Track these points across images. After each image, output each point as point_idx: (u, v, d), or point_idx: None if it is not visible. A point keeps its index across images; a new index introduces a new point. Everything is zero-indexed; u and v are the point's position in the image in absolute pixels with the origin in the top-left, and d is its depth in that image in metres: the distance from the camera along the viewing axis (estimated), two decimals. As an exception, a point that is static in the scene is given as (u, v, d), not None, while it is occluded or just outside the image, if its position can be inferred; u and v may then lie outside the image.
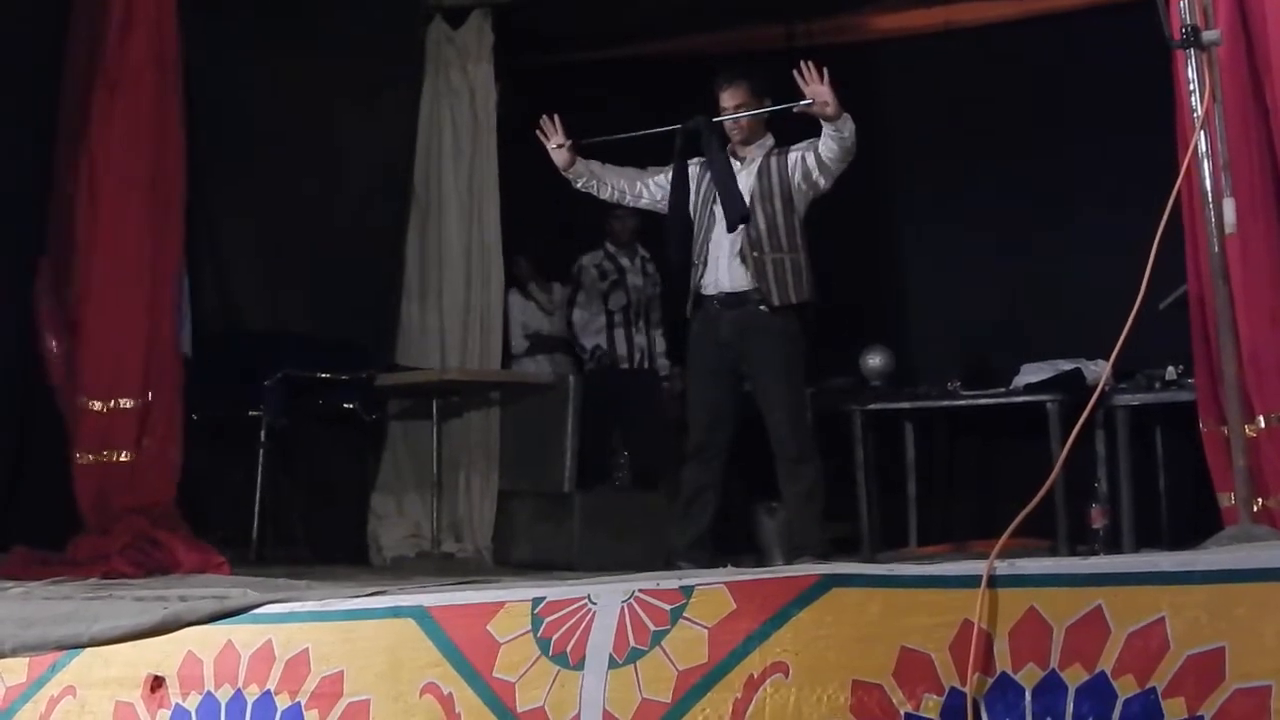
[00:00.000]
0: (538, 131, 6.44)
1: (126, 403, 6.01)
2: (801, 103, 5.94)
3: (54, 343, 6.08)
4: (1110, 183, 7.59)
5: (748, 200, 6.14)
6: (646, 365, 8.18)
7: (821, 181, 6.16)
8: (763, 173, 6.20)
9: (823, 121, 5.97)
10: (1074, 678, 2.94)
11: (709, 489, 6.28)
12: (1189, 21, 4.64)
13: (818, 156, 6.09)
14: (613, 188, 6.51)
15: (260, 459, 6.98)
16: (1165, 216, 4.40)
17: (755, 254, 6.11)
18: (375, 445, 7.81)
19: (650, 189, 6.48)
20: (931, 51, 8.47)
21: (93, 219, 6.09)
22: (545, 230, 8.68)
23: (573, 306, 8.26)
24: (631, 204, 6.65)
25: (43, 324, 6.08)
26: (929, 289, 8.34)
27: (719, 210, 6.16)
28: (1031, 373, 7.09)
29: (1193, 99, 4.63)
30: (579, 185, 6.54)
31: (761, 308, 6.10)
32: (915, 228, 8.49)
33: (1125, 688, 2.89)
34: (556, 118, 6.39)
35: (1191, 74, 4.63)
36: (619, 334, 8.13)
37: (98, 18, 6.19)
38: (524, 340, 8.61)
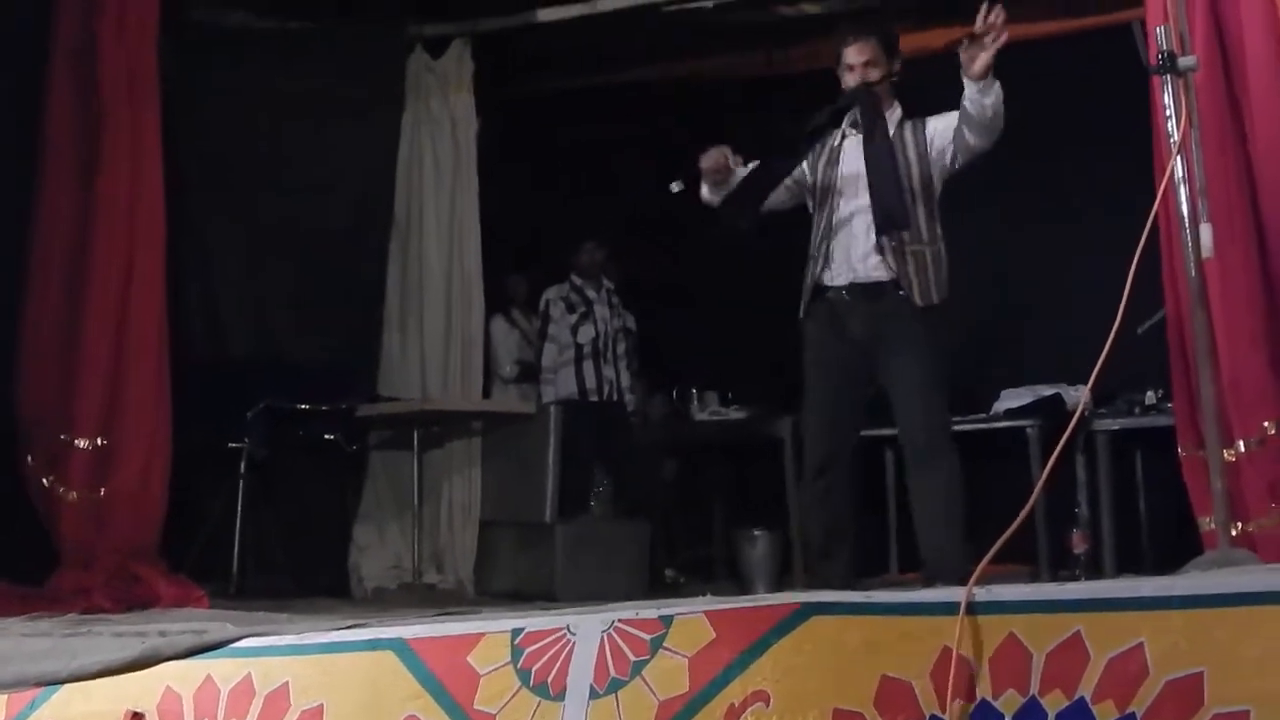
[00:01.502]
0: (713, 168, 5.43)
1: (103, 440, 5.98)
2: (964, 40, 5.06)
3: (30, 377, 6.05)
4: (1089, 207, 7.60)
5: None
6: (615, 398, 8.15)
7: (951, 158, 5.44)
8: (896, 145, 5.41)
9: (965, 82, 5.12)
10: (1054, 704, 2.95)
11: (842, 521, 5.50)
12: (1165, 47, 4.66)
13: (957, 129, 5.32)
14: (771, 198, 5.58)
15: (241, 490, 6.97)
16: (1143, 241, 4.41)
17: (894, 242, 5.31)
18: (356, 476, 7.78)
19: (791, 186, 5.61)
20: (909, 77, 8.49)
21: (62, 250, 6.08)
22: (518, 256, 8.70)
23: (543, 340, 8.24)
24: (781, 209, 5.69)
25: (21, 358, 6.06)
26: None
27: (849, 199, 5.40)
28: (1011, 398, 7.10)
29: (1169, 124, 4.65)
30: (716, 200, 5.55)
31: (901, 295, 5.29)
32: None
33: (1105, 713, 2.89)
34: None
35: (1168, 99, 4.65)
36: (588, 366, 8.11)
37: (79, 45, 6.19)
38: (515, 367, 8.63)
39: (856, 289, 5.36)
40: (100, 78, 6.18)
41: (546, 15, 7.87)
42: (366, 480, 7.79)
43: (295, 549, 7.23)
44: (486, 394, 8.19)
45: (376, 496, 7.76)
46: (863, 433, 7.01)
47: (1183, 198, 4.61)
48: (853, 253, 5.37)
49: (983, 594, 3.12)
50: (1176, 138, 4.58)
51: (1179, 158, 4.59)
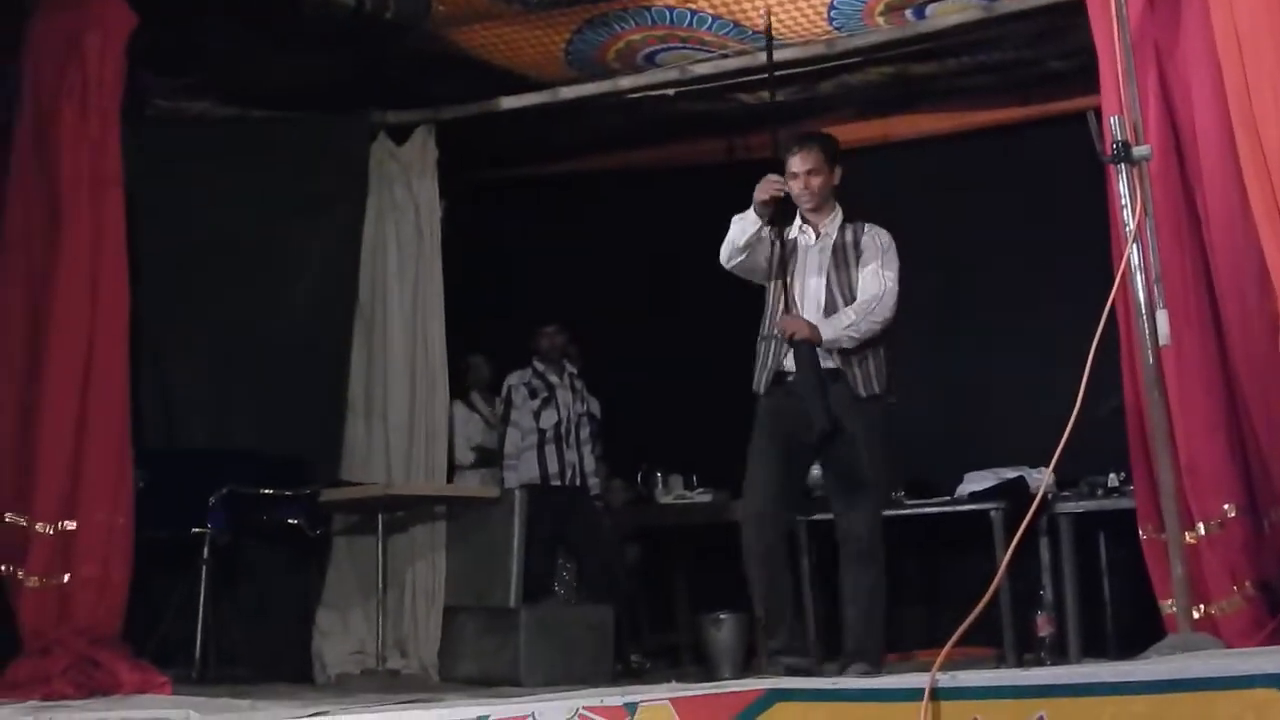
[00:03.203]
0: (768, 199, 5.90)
1: (68, 524, 5.95)
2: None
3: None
4: (1050, 292, 7.68)
5: (824, 282, 5.94)
6: (579, 482, 8.14)
7: None
8: (838, 251, 6.02)
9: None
10: (1017, 789, 2.96)
11: (783, 596, 5.87)
12: (1120, 137, 4.74)
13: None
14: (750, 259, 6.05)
15: (203, 576, 6.93)
16: (1100, 328, 4.47)
17: None
18: (319, 561, 7.73)
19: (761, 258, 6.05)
20: (869, 164, 8.58)
21: (21, 337, 6.08)
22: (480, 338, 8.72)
23: (506, 425, 8.23)
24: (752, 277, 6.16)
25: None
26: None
27: (803, 293, 5.93)
28: (975, 481, 7.12)
29: (1125, 213, 4.72)
30: (745, 240, 5.99)
31: (850, 387, 5.81)
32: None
33: (1068, 799, 2.90)
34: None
35: (1123, 188, 4.72)
36: (550, 451, 8.09)
37: (41, 133, 6.20)
38: (470, 453, 8.61)
39: None
40: (62, 165, 6.18)
41: (509, 103, 7.94)
42: (330, 565, 7.75)
43: (258, 635, 7.18)
44: (450, 479, 8.17)
45: (340, 582, 7.72)
46: (826, 516, 7.07)
47: (1139, 286, 4.67)
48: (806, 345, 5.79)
49: (946, 680, 3.13)
50: (1132, 226, 4.65)
51: (1135, 246, 4.66)
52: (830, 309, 5.89)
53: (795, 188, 5.98)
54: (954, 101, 8.25)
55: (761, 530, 5.82)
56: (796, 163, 6.00)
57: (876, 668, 5.57)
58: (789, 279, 5.96)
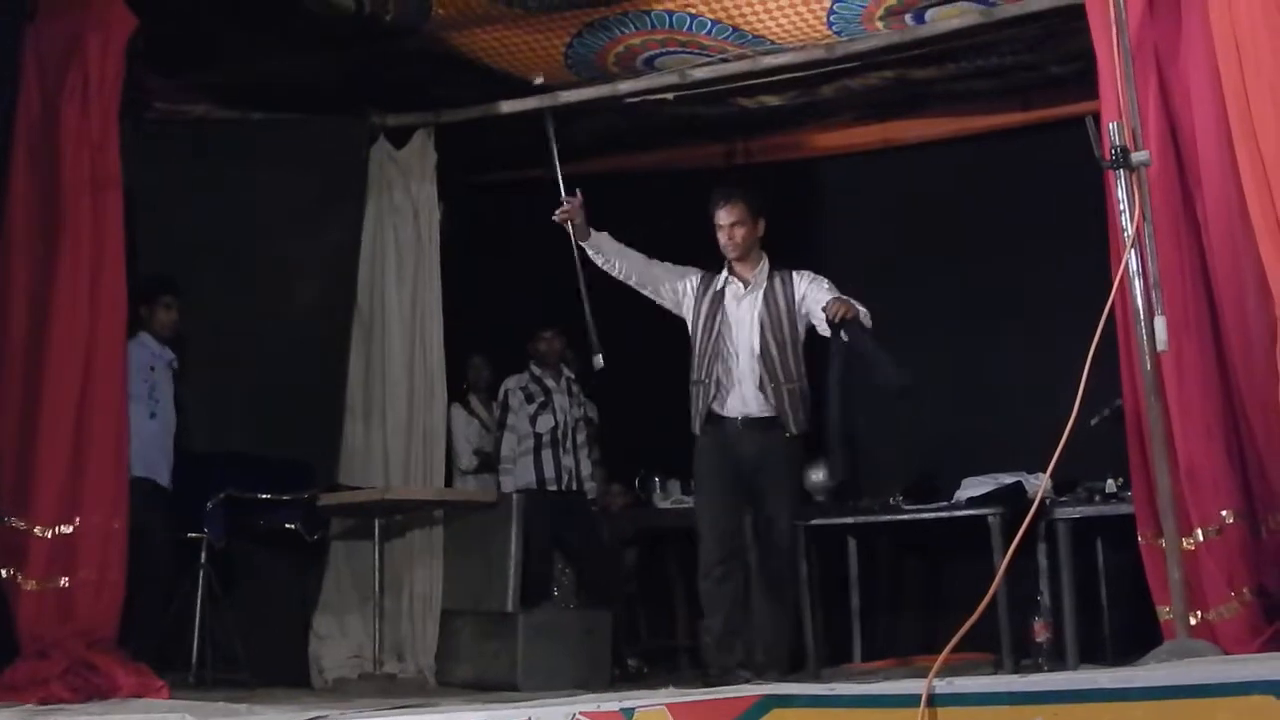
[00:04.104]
0: (557, 216, 6.59)
1: (65, 528, 5.94)
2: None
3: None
4: (1049, 296, 7.66)
5: (757, 329, 6.35)
6: (575, 487, 8.13)
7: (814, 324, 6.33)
8: (769, 299, 6.39)
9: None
10: (1015, 796, 2.95)
11: (737, 615, 6.33)
12: (1118, 143, 4.74)
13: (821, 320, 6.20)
14: (624, 270, 6.63)
15: (200, 580, 6.93)
16: (1098, 333, 4.47)
17: (773, 384, 6.31)
18: (317, 565, 7.73)
19: (665, 291, 6.64)
20: (871, 168, 8.59)
21: (20, 340, 6.07)
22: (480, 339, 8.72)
23: (503, 430, 8.21)
24: (642, 290, 6.69)
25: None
26: (870, 404, 8.36)
27: (733, 342, 6.37)
28: (973, 486, 7.09)
29: (1123, 218, 4.71)
30: (599, 262, 6.68)
31: (782, 429, 6.31)
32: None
33: (1065, 805, 2.90)
34: (578, 192, 6.58)
35: (1122, 194, 4.72)
36: (546, 456, 8.06)
37: (40, 136, 6.19)
38: (474, 458, 8.60)
39: (749, 421, 6.34)
40: (62, 167, 6.17)
41: (509, 107, 7.94)
42: (327, 570, 7.74)
43: (255, 639, 7.17)
44: (449, 483, 8.17)
45: (337, 586, 7.71)
46: (825, 522, 7.09)
47: (1137, 291, 4.67)
48: (743, 391, 6.34)
49: (943, 686, 3.13)
50: (1131, 232, 4.65)
51: (1133, 251, 4.65)
52: (765, 355, 6.32)
53: (721, 239, 6.41)
54: (954, 106, 8.25)
55: (713, 563, 6.31)
56: (722, 216, 6.40)
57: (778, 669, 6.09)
58: (718, 329, 6.40)
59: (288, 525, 7.31)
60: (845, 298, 6.09)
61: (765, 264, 6.47)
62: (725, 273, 6.49)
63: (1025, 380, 7.69)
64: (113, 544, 6.03)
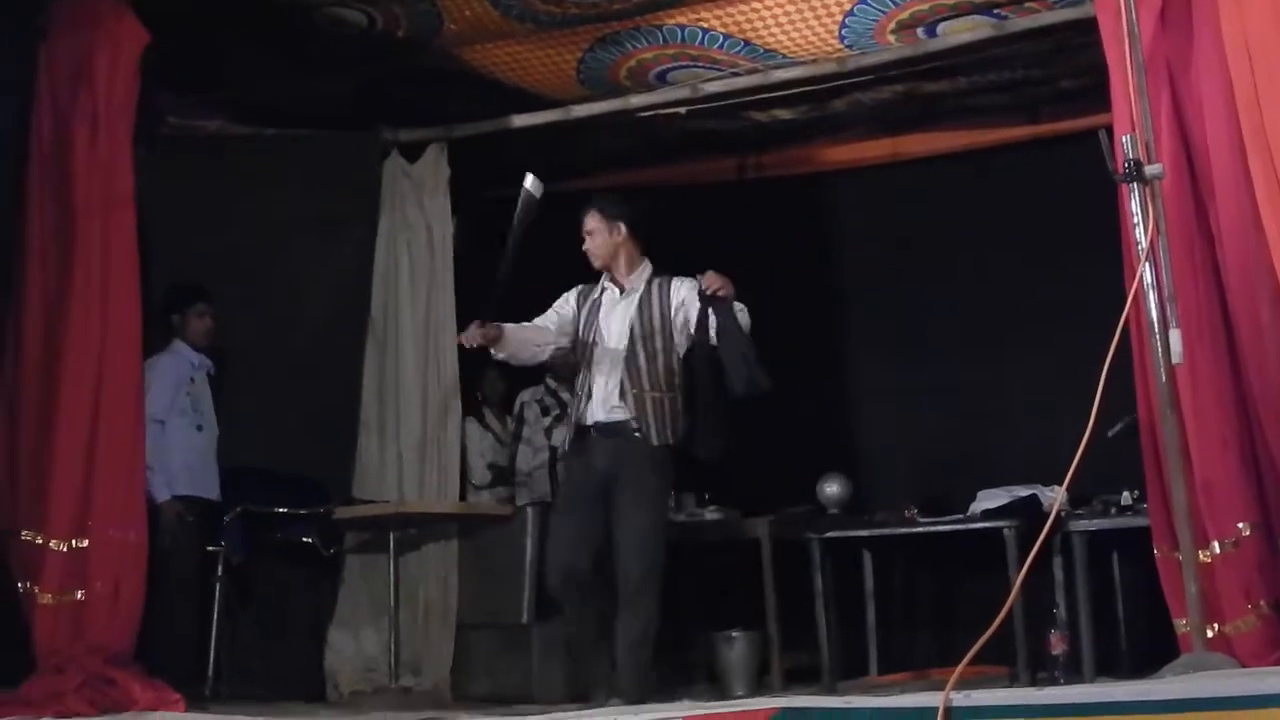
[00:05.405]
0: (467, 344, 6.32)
1: (81, 541, 5.95)
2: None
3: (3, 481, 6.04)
4: (1061, 309, 7.66)
5: (626, 333, 6.21)
6: None
7: (696, 331, 6.19)
8: (644, 305, 6.26)
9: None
10: (1032, 810, 2.95)
11: (602, 618, 6.10)
12: (1132, 155, 4.74)
13: (705, 321, 6.13)
14: (535, 349, 6.43)
15: (217, 594, 6.94)
16: (1113, 346, 4.47)
17: (635, 390, 6.13)
18: (332, 579, 7.74)
19: (566, 328, 6.44)
20: (882, 182, 8.59)
21: (35, 353, 6.10)
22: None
23: (518, 443, 8.22)
24: (554, 354, 6.52)
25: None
26: (885, 417, 8.37)
27: (603, 346, 6.24)
28: (988, 499, 7.10)
29: (1137, 231, 4.71)
30: (525, 360, 6.54)
31: (637, 435, 6.08)
32: (870, 356, 8.54)
33: (1083, 820, 2.90)
34: (474, 325, 6.20)
35: (1135, 207, 4.72)
36: (561, 468, 8.08)
37: (54, 151, 6.21)
38: (487, 472, 8.61)
39: (601, 427, 6.15)
40: (74, 186, 6.19)
41: (521, 121, 7.96)
42: (342, 583, 7.75)
43: (271, 653, 7.19)
44: (463, 496, 8.17)
45: (352, 600, 7.71)
46: (840, 535, 7.07)
47: (1152, 304, 4.67)
48: (598, 394, 6.19)
49: (960, 699, 3.13)
50: (1144, 244, 4.65)
51: (1147, 264, 4.65)
52: (630, 361, 6.16)
53: (588, 247, 6.38)
54: (965, 119, 8.25)
55: (567, 585, 6.10)
56: (584, 224, 6.41)
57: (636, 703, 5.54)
58: (592, 337, 6.29)
59: (303, 540, 7.32)
60: (724, 278, 6.02)
61: (646, 271, 6.35)
62: (603, 279, 6.42)
63: (1040, 393, 7.67)
64: (128, 557, 6.03)
